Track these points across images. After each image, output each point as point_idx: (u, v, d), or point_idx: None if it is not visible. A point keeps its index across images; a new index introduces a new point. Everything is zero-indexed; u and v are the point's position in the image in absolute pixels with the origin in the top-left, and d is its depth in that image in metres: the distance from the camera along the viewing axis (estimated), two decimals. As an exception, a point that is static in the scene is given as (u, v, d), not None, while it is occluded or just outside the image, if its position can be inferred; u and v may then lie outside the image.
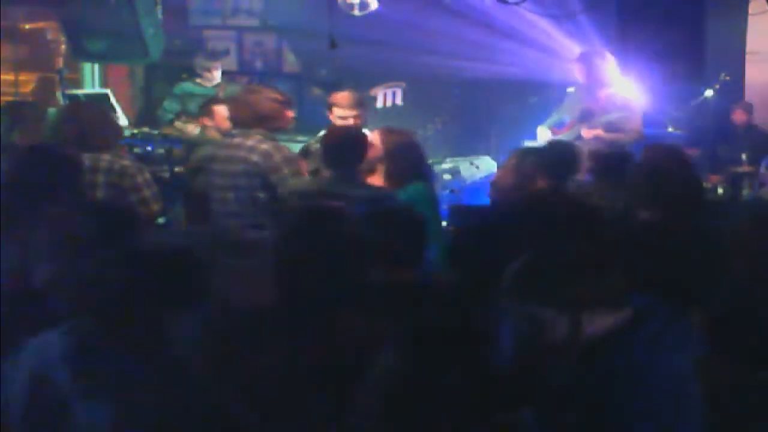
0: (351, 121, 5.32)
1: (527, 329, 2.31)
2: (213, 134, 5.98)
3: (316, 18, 8.47)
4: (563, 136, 7.00)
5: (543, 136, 7.15)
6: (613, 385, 2.22)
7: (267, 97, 4.94)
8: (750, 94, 8.28)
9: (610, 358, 2.25)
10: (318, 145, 5.32)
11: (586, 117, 6.89)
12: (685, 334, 2.37)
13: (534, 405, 2.34)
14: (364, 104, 5.59)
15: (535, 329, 2.30)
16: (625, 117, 6.74)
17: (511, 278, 2.36)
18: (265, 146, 4.71)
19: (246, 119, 4.86)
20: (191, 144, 6.19)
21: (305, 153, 5.38)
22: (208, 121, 6.07)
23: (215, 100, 6.42)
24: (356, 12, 7.94)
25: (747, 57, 8.30)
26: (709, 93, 7.96)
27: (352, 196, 4.14)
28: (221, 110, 6.04)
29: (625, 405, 2.22)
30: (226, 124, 5.89)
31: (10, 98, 8.08)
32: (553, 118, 7.39)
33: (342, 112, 5.34)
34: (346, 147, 4.54)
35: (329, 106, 5.42)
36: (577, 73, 6.95)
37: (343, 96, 5.43)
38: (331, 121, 5.44)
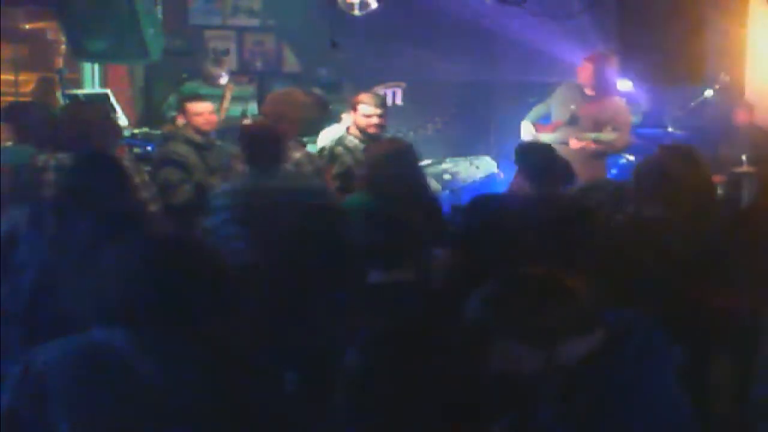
0: (375, 120, 5.47)
1: (499, 364, 2.20)
2: (189, 132, 5.90)
3: (316, 18, 8.50)
4: (548, 137, 6.91)
5: (527, 131, 7.08)
6: (597, 408, 2.15)
7: (306, 101, 5.03)
8: (750, 94, 8.27)
9: (590, 383, 2.16)
10: (341, 149, 5.39)
11: (573, 122, 6.83)
12: (666, 345, 2.30)
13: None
14: (386, 105, 5.70)
15: (506, 363, 2.18)
16: (617, 137, 6.70)
17: (475, 310, 2.24)
18: (298, 155, 4.79)
19: (288, 122, 4.95)
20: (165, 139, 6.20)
21: (331, 157, 5.43)
22: (181, 119, 6.00)
23: (189, 97, 6.37)
24: (356, 12, 7.94)
25: (747, 57, 8.29)
26: (709, 93, 7.95)
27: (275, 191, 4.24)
28: (194, 108, 5.95)
29: (613, 425, 2.16)
30: (199, 122, 5.82)
31: (10, 98, 8.08)
32: (537, 111, 7.30)
33: (368, 110, 5.46)
34: (266, 143, 4.56)
35: (352, 106, 5.49)
36: (583, 72, 6.88)
37: (368, 96, 5.56)
38: (351, 119, 5.51)
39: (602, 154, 6.76)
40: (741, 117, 8.06)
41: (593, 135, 6.66)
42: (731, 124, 8.07)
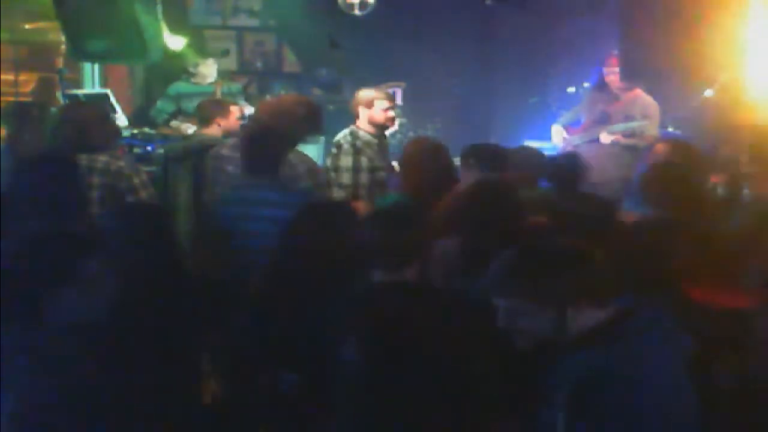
0: (392, 114, 5.62)
1: (512, 324, 2.33)
2: (217, 133, 6.02)
3: (316, 18, 8.50)
4: (578, 137, 7.02)
5: (557, 134, 7.17)
6: (599, 380, 2.24)
7: (299, 105, 5.02)
8: (750, 94, 8.25)
9: (595, 353, 2.26)
10: (360, 143, 5.44)
11: (603, 120, 6.90)
12: (671, 331, 2.39)
13: (520, 400, 2.35)
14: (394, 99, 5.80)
15: (519, 324, 2.31)
16: (647, 124, 6.78)
17: (497, 274, 2.37)
18: (289, 156, 4.78)
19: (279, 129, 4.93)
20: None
21: (355, 152, 5.46)
22: (222, 121, 6.09)
23: (228, 101, 6.47)
24: (356, 12, 7.95)
25: (747, 57, 8.28)
26: (709, 93, 7.94)
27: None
28: (237, 111, 6.13)
29: (613, 400, 2.23)
30: (239, 124, 5.95)
31: (10, 98, 8.08)
32: (568, 116, 7.39)
33: (386, 104, 5.58)
34: (266, 150, 4.50)
35: (367, 104, 5.50)
36: (609, 72, 6.93)
37: (378, 91, 5.69)
38: (366, 116, 5.54)
39: (633, 147, 6.80)
40: (741, 117, 8.04)
41: (621, 126, 6.74)
42: (731, 124, 8.06)
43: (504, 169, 4.65)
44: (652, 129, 6.88)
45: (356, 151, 5.43)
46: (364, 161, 5.40)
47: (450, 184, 4.67)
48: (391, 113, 5.62)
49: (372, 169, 5.43)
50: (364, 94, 5.63)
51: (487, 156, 4.76)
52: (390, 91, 8.36)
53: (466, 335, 2.68)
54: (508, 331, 2.34)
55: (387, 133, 5.89)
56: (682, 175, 4.06)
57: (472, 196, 3.72)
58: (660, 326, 2.34)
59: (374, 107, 5.55)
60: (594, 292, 2.33)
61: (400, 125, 7.75)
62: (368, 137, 5.53)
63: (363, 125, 5.57)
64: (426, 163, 4.73)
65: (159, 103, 7.98)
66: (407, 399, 2.39)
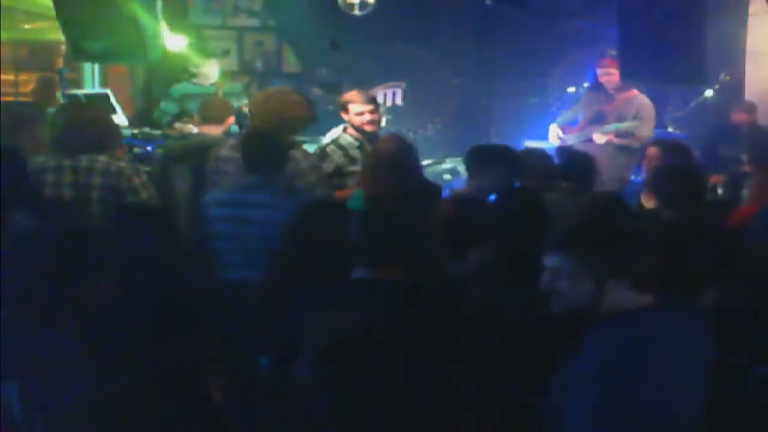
0: (369, 117, 5.45)
1: (554, 285, 2.40)
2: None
3: (316, 18, 8.51)
4: (573, 137, 7.03)
5: (554, 134, 7.18)
6: (623, 356, 2.28)
7: (292, 101, 5.01)
8: (750, 94, 8.26)
9: (627, 331, 2.30)
10: (333, 147, 5.39)
11: (599, 120, 6.91)
12: (694, 335, 2.42)
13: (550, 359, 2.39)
14: (377, 102, 5.70)
15: (561, 286, 2.38)
16: (638, 124, 6.78)
17: (557, 233, 2.46)
18: (293, 152, 4.77)
19: (274, 122, 4.91)
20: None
21: (322, 155, 5.43)
22: (233, 121, 6.13)
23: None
24: (356, 12, 7.95)
25: (747, 57, 8.29)
26: (709, 93, 7.95)
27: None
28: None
29: (631, 376, 2.28)
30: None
31: (10, 98, 8.08)
32: (566, 116, 7.40)
33: (359, 108, 5.45)
34: (264, 151, 4.46)
35: (343, 105, 5.47)
36: (603, 73, 6.93)
37: (356, 93, 5.54)
38: (346, 120, 5.50)
39: (626, 147, 6.80)
40: (741, 117, 8.05)
41: (613, 126, 6.75)
42: (731, 124, 8.07)
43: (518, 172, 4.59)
44: (644, 130, 6.86)
45: (322, 156, 5.36)
46: (324, 166, 5.30)
47: (416, 185, 4.55)
48: (367, 117, 5.44)
49: (335, 175, 5.32)
50: (345, 96, 5.56)
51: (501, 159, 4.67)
52: (389, 91, 8.39)
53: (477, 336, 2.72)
54: (548, 293, 2.41)
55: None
56: (696, 175, 4.07)
57: (509, 206, 3.71)
58: (680, 327, 2.37)
59: (349, 111, 5.47)
60: (639, 275, 2.38)
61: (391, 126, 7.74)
62: (350, 141, 5.44)
63: (349, 128, 5.50)
64: (397, 161, 4.61)
65: (162, 105, 7.96)
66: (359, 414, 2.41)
